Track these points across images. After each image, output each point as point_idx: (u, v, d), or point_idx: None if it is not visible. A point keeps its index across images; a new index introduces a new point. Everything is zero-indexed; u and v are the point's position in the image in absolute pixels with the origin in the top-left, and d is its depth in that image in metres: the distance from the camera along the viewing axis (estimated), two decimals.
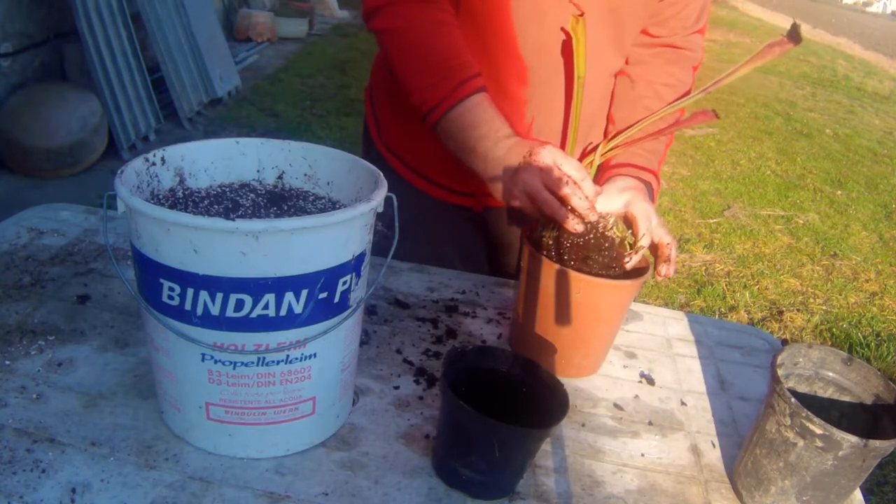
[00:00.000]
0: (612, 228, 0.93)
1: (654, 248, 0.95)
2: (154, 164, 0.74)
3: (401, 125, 1.17)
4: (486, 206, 1.18)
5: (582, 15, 0.92)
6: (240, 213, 0.77)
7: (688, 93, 1.09)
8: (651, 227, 0.94)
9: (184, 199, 0.77)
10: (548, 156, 0.89)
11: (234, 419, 0.71)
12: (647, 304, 1.17)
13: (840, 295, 3.24)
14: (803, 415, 0.70)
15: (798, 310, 3.05)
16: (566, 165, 0.88)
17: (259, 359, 0.67)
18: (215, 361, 0.67)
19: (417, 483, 0.73)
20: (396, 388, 0.88)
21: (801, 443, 0.71)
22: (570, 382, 0.94)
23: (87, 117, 3.35)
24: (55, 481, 0.67)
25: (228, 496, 0.68)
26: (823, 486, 0.73)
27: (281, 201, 0.81)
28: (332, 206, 0.81)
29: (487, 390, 0.77)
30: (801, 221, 4.05)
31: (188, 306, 0.64)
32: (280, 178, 0.84)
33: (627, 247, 0.93)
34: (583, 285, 0.87)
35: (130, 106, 3.65)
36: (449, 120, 0.95)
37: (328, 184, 0.83)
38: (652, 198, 1.03)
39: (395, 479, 0.74)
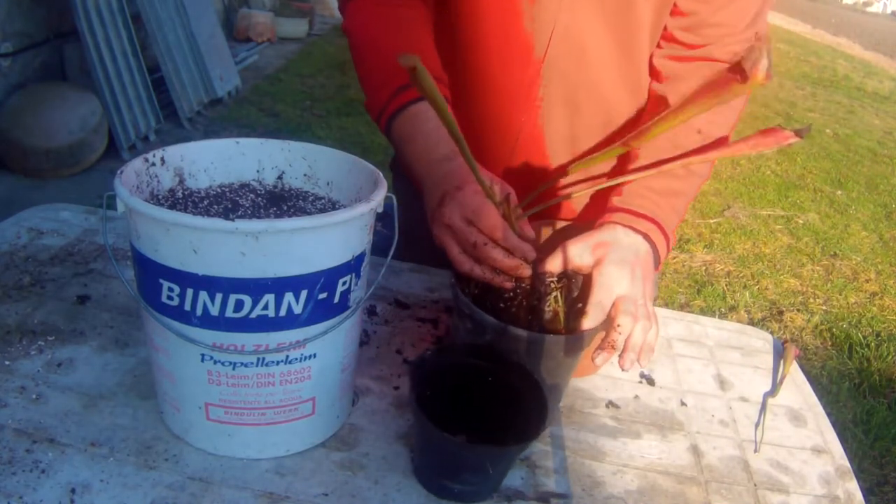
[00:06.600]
0: (553, 293, 0.74)
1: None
2: (154, 164, 0.74)
3: None
4: None
5: None
6: (239, 213, 0.77)
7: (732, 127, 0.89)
8: (603, 300, 0.73)
9: (183, 200, 0.77)
10: (456, 211, 0.74)
11: (234, 419, 0.71)
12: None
13: (840, 295, 3.24)
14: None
15: (798, 310, 3.05)
16: (480, 220, 0.73)
17: (259, 359, 0.67)
18: (215, 362, 0.67)
19: (417, 483, 0.73)
20: (396, 388, 0.88)
21: None
22: (570, 382, 0.94)
23: (87, 117, 3.35)
24: (55, 481, 0.67)
25: (228, 496, 0.68)
26: None
27: (281, 201, 0.80)
28: (332, 206, 0.81)
29: (455, 390, 0.76)
30: (801, 221, 4.05)
31: (188, 306, 0.64)
32: (280, 178, 0.84)
33: (559, 316, 0.74)
34: None
35: (130, 106, 3.65)
36: (392, 131, 0.85)
37: (328, 184, 0.83)
38: (657, 260, 0.81)
39: (395, 479, 0.73)
